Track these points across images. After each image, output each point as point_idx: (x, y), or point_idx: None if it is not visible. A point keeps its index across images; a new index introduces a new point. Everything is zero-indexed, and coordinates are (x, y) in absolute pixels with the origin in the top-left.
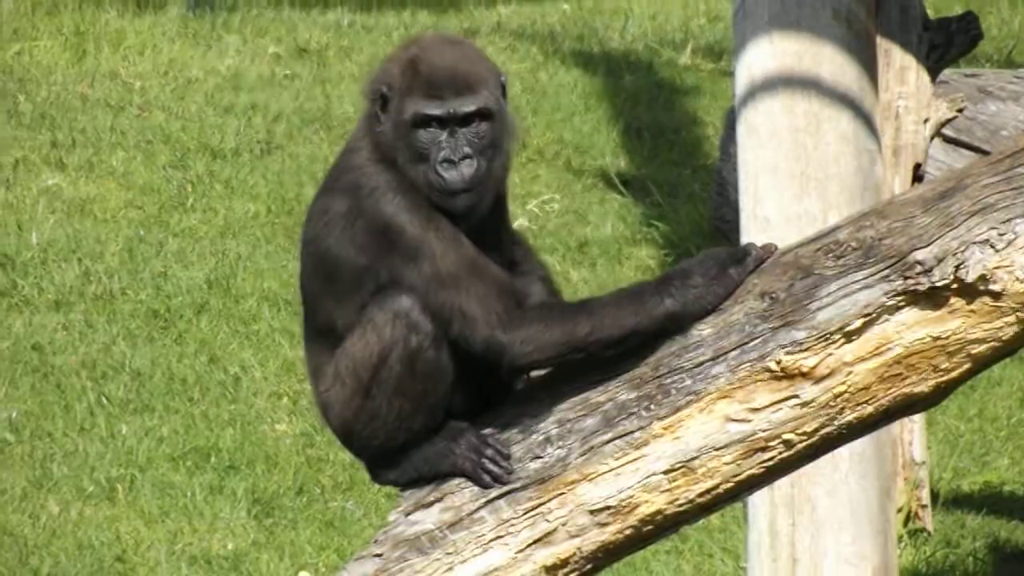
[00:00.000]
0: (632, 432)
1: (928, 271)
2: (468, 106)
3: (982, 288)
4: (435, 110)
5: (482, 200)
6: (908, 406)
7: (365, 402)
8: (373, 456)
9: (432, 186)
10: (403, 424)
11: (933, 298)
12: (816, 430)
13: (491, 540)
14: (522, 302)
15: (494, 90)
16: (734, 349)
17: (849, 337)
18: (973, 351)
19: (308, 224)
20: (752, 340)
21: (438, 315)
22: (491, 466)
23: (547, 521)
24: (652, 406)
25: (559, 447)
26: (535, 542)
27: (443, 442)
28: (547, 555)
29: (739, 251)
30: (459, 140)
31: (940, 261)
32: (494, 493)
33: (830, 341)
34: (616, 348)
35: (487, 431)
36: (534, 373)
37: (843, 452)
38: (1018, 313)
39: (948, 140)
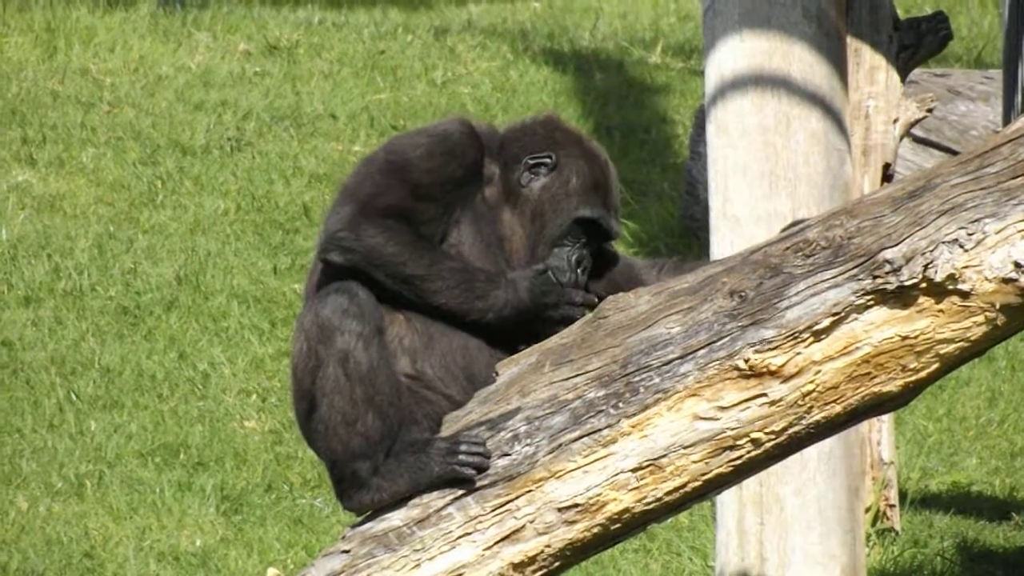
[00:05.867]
0: (600, 430)
1: (897, 270)
2: (618, 233)
3: (951, 287)
4: (604, 223)
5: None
6: (876, 406)
7: (313, 411)
8: (342, 475)
9: (557, 271)
10: (354, 429)
11: (902, 297)
12: (784, 429)
13: (459, 537)
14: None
15: None
16: (703, 347)
17: (818, 336)
18: (942, 351)
19: None
20: (721, 338)
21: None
22: (469, 459)
23: (515, 518)
24: (620, 404)
25: (527, 444)
26: (503, 539)
27: (412, 457)
28: (515, 552)
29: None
30: (587, 252)
31: (909, 260)
32: (462, 491)
33: (799, 340)
34: (419, 301)
35: (453, 433)
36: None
37: (811, 451)
38: (987, 313)
39: (918, 140)
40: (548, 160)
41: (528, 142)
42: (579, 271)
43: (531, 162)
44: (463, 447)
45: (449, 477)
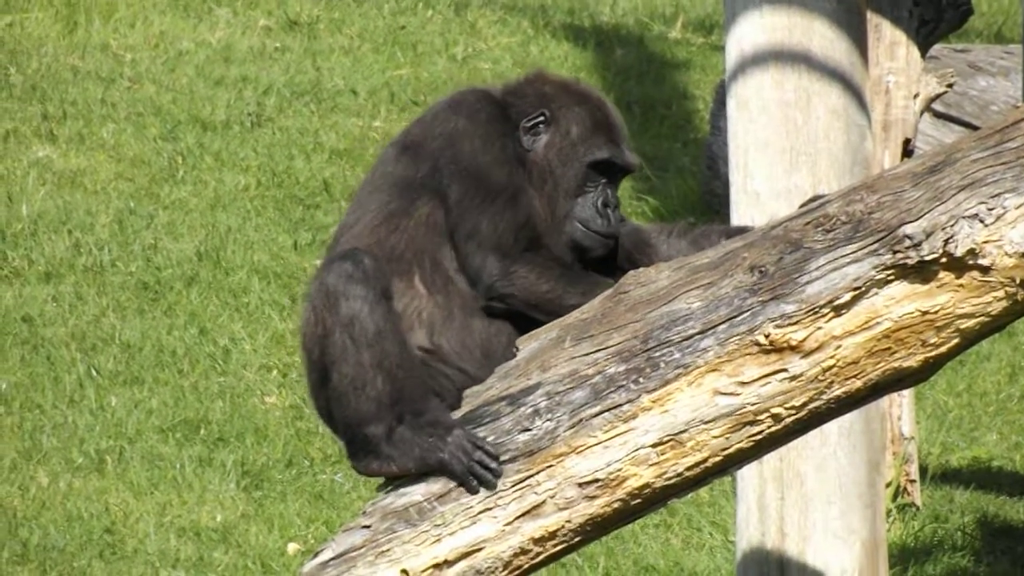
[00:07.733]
0: (621, 405)
1: (917, 245)
2: (635, 164)
3: (971, 262)
4: (617, 159)
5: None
6: (897, 381)
7: (324, 381)
8: (355, 438)
9: (587, 222)
10: (364, 393)
11: (922, 272)
12: (805, 404)
13: (479, 512)
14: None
15: None
16: (723, 323)
17: (838, 311)
18: (962, 326)
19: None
20: (741, 313)
21: (458, 225)
22: (480, 470)
23: (536, 493)
24: (641, 379)
25: (548, 420)
26: (524, 514)
27: (430, 438)
28: (535, 527)
29: None
30: (612, 191)
31: (929, 235)
32: None
33: (819, 315)
34: None
35: (479, 431)
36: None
37: (832, 426)
38: (1007, 288)
39: (938, 115)
40: (543, 118)
41: (521, 106)
42: (609, 212)
43: (528, 125)
44: (478, 455)
45: (458, 478)
